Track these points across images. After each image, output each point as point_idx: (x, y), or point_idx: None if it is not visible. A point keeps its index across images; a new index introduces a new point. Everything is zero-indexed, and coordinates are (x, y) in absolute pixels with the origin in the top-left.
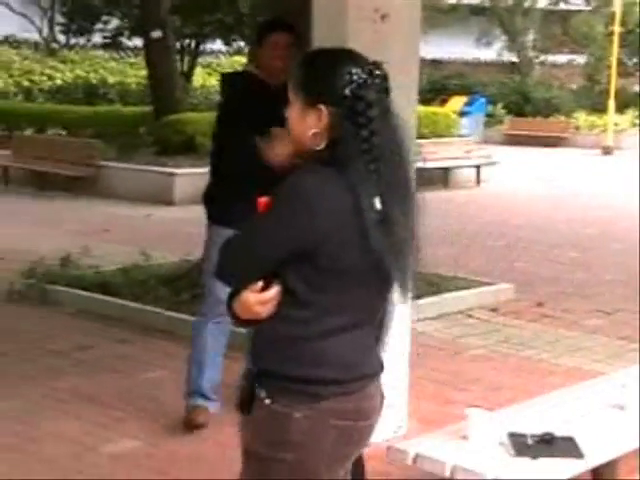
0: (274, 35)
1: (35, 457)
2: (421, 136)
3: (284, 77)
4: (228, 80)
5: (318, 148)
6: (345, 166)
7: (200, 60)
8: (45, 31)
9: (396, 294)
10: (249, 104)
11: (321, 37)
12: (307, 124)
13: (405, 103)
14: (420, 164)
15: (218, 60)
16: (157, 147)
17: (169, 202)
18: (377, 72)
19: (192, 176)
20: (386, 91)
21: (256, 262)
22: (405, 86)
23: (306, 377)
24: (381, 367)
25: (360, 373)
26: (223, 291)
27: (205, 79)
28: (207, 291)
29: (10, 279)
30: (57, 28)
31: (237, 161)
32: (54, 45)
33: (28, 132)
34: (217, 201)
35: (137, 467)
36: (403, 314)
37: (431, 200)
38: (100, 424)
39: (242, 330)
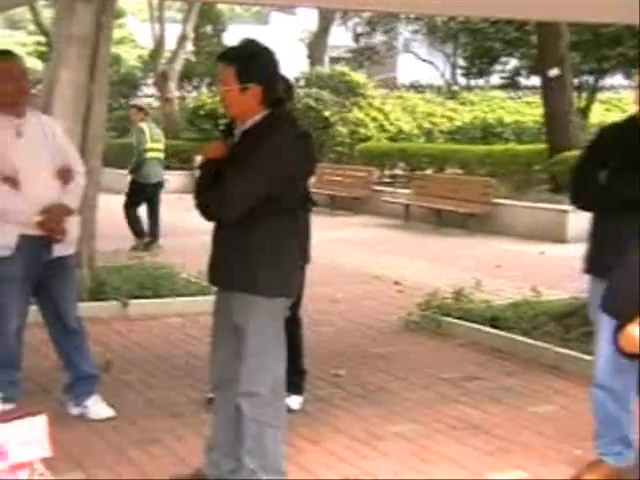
0: None
1: (427, 477)
2: None
3: None
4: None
5: None
6: None
7: (599, 96)
8: (447, 75)
9: None
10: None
11: None
12: None
13: None
14: None
15: (618, 95)
16: (551, 184)
17: (562, 240)
18: None
19: (586, 214)
20: None
21: None
22: None
23: None
24: None
25: None
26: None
27: (604, 115)
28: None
29: (408, 310)
30: (458, 72)
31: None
32: (455, 88)
33: (428, 172)
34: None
35: None
36: None
37: None
38: (486, 452)
39: None
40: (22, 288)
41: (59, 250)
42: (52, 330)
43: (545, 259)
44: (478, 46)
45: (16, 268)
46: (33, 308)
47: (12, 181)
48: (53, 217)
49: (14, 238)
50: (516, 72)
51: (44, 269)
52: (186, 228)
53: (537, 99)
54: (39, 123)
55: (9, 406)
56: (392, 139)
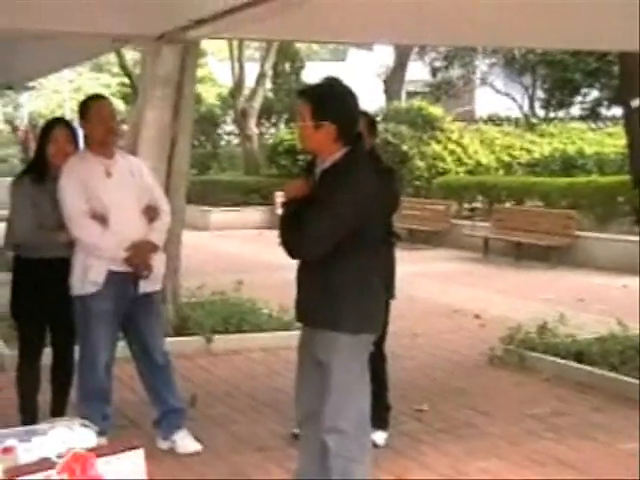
0: None
1: None
2: None
3: None
4: None
5: None
6: None
7: None
8: (525, 107)
9: None
10: None
11: None
12: None
13: None
14: None
15: None
16: (635, 216)
17: None
18: None
19: None
20: None
21: None
22: None
23: None
24: None
25: None
26: None
27: None
28: None
29: (490, 344)
30: (537, 104)
31: None
32: (533, 120)
33: (507, 204)
34: None
35: None
36: None
37: None
38: None
39: None
40: (110, 323)
41: (145, 286)
42: (140, 365)
43: (628, 292)
44: (558, 77)
45: (104, 303)
46: (121, 343)
47: (101, 218)
48: (140, 253)
49: (103, 274)
50: (597, 103)
51: (131, 305)
52: (267, 263)
53: (618, 130)
54: (126, 163)
55: (101, 440)
56: (470, 172)
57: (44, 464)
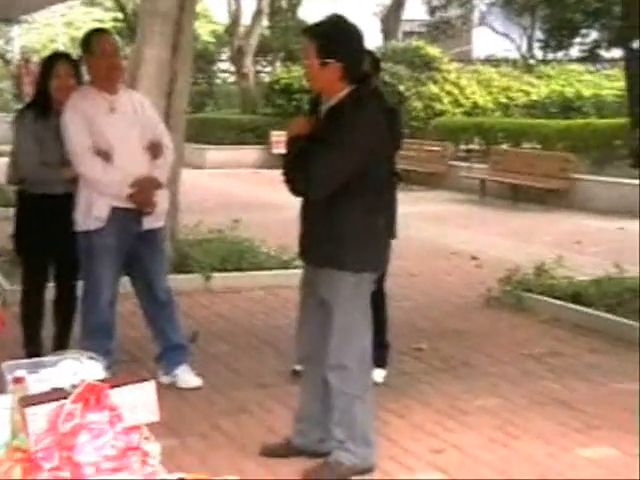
0: None
1: (514, 451)
2: None
3: None
4: None
5: None
6: None
7: None
8: (524, 48)
9: None
10: None
11: None
12: None
13: None
14: None
15: None
16: (631, 159)
17: None
18: None
19: None
20: None
21: None
22: None
23: None
24: None
25: None
26: None
27: None
28: None
29: (487, 285)
30: (536, 44)
31: None
32: (531, 61)
33: (504, 146)
34: None
35: (615, 474)
36: None
37: None
38: (573, 428)
39: None
40: (114, 259)
41: (149, 223)
42: (143, 301)
43: (625, 235)
44: (558, 18)
45: (108, 239)
46: (121, 280)
47: (105, 154)
48: (143, 190)
49: (106, 210)
50: (596, 45)
51: (135, 241)
52: (263, 202)
53: (617, 72)
54: (130, 99)
55: (106, 374)
56: (467, 113)
57: (57, 394)
